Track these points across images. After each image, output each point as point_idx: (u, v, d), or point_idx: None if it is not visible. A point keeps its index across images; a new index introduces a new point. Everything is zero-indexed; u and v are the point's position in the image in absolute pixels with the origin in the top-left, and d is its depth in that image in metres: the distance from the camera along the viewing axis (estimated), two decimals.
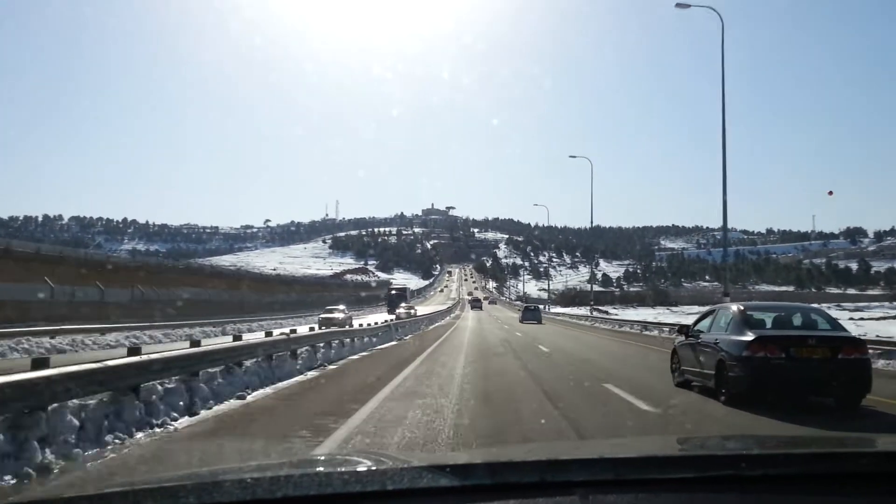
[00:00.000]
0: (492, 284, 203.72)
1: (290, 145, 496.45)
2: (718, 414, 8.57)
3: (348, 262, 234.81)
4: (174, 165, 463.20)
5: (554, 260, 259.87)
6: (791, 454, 1.92)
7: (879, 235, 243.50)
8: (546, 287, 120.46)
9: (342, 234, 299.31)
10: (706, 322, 10.51)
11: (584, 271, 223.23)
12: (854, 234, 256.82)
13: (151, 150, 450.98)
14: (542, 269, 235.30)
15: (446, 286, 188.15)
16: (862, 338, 9.49)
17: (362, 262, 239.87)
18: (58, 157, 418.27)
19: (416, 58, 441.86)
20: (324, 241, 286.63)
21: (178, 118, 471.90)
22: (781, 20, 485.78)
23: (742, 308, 9.93)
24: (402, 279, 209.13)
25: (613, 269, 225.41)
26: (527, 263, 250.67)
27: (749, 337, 8.98)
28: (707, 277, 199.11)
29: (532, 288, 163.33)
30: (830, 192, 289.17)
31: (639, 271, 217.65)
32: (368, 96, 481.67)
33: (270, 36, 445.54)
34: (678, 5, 34.09)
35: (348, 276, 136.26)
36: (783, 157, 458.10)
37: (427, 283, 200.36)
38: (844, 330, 9.59)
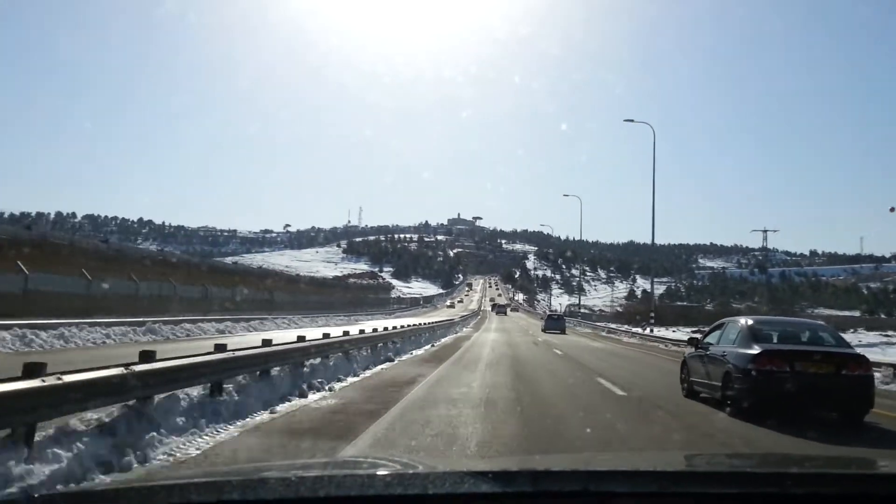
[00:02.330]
0: (521, 297, 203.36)
1: (314, 151, 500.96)
2: (722, 425, 9.29)
3: (362, 268, 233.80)
4: (196, 167, 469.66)
5: (588, 274, 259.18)
6: (831, 474, 2.01)
7: None
8: (577, 301, 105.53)
9: (359, 239, 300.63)
10: (715, 335, 11.31)
11: (621, 287, 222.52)
12: None
13: (171, 151, 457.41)
14: (574, 283, 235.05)
15: (462, 298, 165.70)
16: (865, 355, 10.17)
17: (377, 268, 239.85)
18: (72, 153, 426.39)
19: (442, 68, 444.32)
20: (338, 246, 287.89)
21: (200, 120, 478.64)
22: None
23: (751, 322, 10.71)
24: (419, 287, 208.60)
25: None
26: (558, 276, 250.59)
27: (755, 350, 9.67)
28: (756, 299, 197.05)
29: (563, 301, 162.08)
30: (893, 209, 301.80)
31: (682, 289, 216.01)
32: (397, 106, 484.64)
33: (304, 40, 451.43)
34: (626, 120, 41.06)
35: (352, 280, 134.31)
36: (827, 177, 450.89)
37: (443, 291, 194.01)
38: (849, 347, 10.32)
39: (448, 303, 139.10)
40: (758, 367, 9.47)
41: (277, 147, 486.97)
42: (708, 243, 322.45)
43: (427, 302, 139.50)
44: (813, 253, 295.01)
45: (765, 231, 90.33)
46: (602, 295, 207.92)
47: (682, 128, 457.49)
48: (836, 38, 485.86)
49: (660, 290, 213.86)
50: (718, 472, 2.01)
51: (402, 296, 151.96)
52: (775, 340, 10.30)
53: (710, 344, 11.22)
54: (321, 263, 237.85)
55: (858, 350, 10.68)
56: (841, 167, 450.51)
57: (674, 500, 1.57)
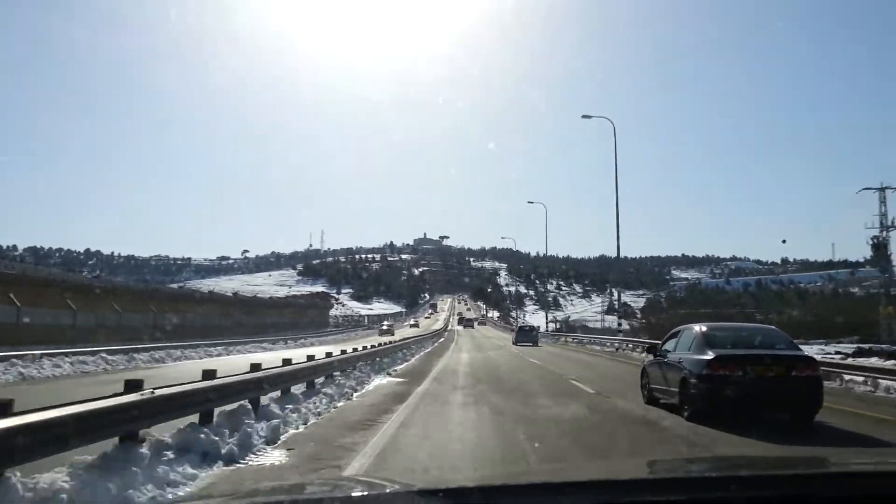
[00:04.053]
0: (495, 314, 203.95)
1: (273, 174, 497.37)
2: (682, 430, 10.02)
3: (318, 290, 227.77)
4: (147, 196, 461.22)
5: (563, 288, 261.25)
6: (780, 475, 2.06)
7: None
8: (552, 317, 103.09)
9: (317, 261, 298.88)
10: (672, 342, 12.10)
11: (598, 301, 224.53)
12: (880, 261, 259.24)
13: (120, 179, 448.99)
14: (550, 298, 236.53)
15: (418, 321, 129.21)
16: (814, 357, 11.02)
17: (334, 290, 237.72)
18: (8, 184, 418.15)
19: (407, 83, 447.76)
20: (293, 269, 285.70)
21: (151, 148, 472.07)
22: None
23: (705, 329, 11.52)
24: (381, 308, 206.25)
25: (629, 299, 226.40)
26: (532, 292, 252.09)
27: (709, 356, 10.45)
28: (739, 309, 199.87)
29: (538, 319, 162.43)
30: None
31: (662, 301, 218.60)
32: (358, 124, 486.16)
33: (257, 58, 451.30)
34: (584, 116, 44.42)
35: (292, 299, 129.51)
36: (795, 184, 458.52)
37: (403, 311, 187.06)
38: (799, 350, 11.19)
39: (385, 325, 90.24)
40: (712, 371, 10.23)
41: (234, 173, 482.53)
42: (679, 255, 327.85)
43: (371, 325, 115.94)
44: (784, 261, 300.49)
45: (882, 189, 62.03)
46: (580, 309, 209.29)
47: (642, 139, 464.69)
48: (781, 40, 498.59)
49: (637, 302, 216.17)
50: (669, 479, 2.10)
51: (353, 315, 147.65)
52: (729, 346, 11.03)
53: (668, 351, 12.02)
54: (274, 287, 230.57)
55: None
56: (808, 173, 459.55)
57: None
